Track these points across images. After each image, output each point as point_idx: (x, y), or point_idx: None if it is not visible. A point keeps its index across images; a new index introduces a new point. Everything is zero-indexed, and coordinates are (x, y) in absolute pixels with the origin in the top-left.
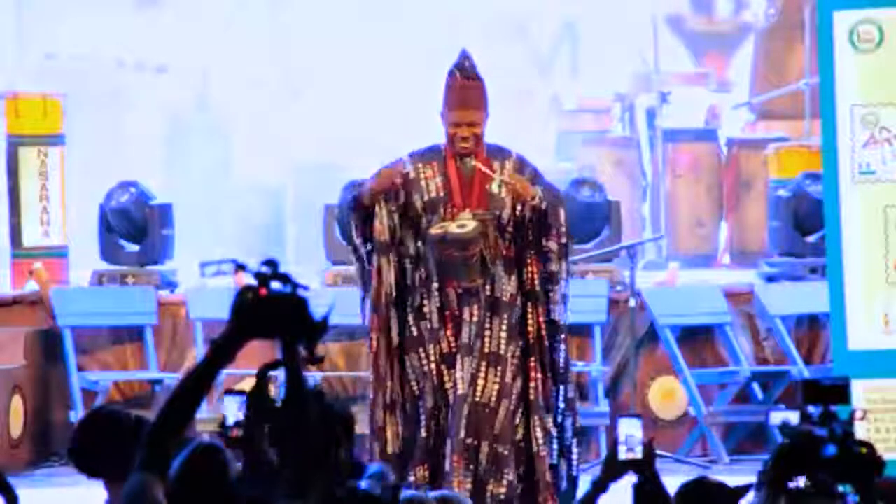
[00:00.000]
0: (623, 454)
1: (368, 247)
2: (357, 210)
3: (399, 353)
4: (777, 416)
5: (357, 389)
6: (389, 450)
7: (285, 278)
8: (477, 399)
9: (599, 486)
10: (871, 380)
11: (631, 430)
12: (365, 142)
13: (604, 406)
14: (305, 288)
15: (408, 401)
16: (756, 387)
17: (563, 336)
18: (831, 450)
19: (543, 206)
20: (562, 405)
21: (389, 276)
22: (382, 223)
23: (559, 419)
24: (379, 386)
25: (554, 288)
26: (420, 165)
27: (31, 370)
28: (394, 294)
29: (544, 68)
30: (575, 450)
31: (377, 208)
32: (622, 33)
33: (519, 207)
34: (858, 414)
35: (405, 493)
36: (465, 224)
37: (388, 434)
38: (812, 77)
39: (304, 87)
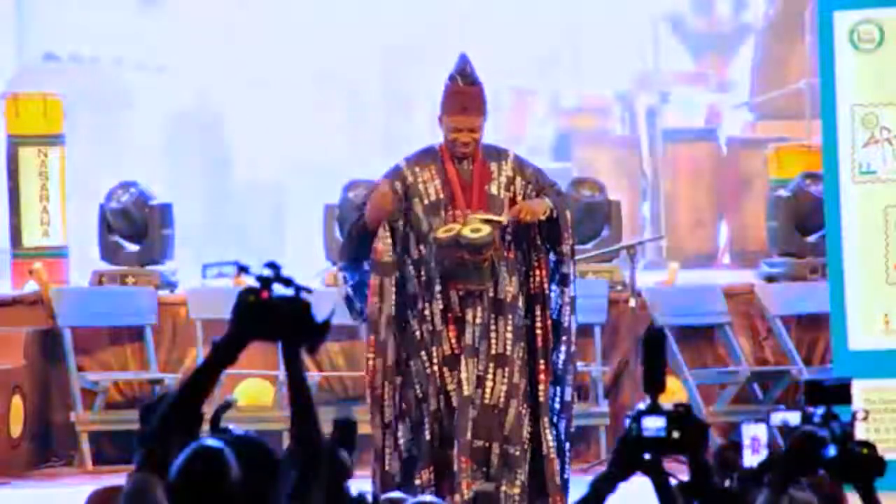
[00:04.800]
0: (748, 458)
1: (366, 266)
2: (363, 235)
3: (396, 371)
4: (777, 417)
5: (357, 389)
6: (387, 468)
7: (287, 281)
8: (486, 401)
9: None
10: (871, 380)
11: (757, 433)
12: (364, 142)
13: (604, 406)
14: (308, 290)
15: (412, 405)
16: (756, 387)
17: (565, 338)
18: (832, 450)
19: (555, 214)
20: (557, 406)
21: (391, 297)
22: (385, 243)
23: (554, 419)
24: (376, 408)
25: (565, 290)
26: (417, 169)
27: (31, 370)
28: (394, 314)
29: (544, 68)
30: (567, 454)
31: (380, 230)
32: (622, 33)
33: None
34: (860, 415)
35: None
36: (479, 228)
37: (387, 454)
38: (812, 77)
39: (304, 87)
